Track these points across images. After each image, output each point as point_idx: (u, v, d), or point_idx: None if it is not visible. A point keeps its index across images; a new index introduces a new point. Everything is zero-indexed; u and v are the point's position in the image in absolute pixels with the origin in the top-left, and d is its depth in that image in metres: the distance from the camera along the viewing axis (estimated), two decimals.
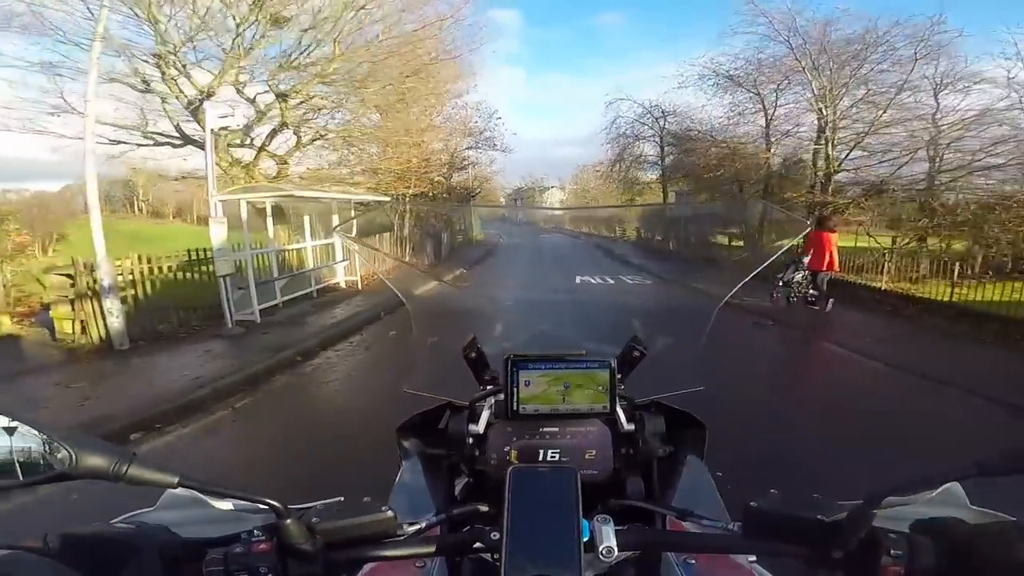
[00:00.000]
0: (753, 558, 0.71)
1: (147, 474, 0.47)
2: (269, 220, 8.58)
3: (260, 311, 7.13)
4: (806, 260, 8.21)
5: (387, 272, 1.33)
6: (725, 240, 15.97)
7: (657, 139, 19.64)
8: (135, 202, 45.16)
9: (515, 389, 0.85)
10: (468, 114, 19.12)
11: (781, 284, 8.33)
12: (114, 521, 0.55)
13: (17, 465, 0.45)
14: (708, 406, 1.02)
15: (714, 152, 15.39)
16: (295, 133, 11.09)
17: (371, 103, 11.29)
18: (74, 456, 0.45)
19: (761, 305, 7.78)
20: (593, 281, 7.51)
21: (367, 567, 0.67)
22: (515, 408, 0.85)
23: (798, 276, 8.26)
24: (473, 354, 1.03)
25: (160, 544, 0.52)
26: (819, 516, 0.53)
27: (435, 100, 14.13)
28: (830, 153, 12.59)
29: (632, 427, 0.88)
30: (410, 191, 13.86)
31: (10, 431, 0.45)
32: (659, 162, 20.21)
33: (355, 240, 6.98)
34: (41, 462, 0.45)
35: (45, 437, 0.45)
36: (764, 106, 14.05)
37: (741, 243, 14.61)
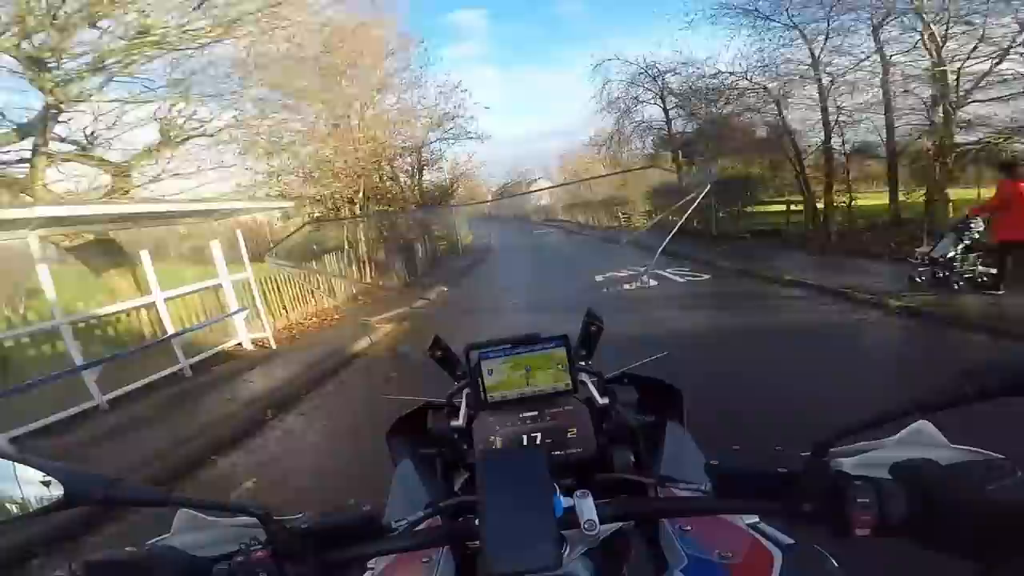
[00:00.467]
0: (755, 519, 0.69)
1: (136, 495, 0.51)
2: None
3: (61, 420, 4.23)
4: (976, 225, 5.34)
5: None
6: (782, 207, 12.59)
7: (659, 101, 16.01)
8: None
9: (481, 379, 0.89)
10: (430, 98, 15.77)
11: (930, 261, 5.60)
12: (132, 549, 0.57)
13: (14, 500, 0.49)
14: None
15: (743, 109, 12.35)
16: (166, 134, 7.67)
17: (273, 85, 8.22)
18: (67, 487, 0.48)
19: (902, 293, 5.57)
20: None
21: (381, 567, 0.70)
22: (483, 398, 0.89)
23: (958, 249, 5.42)
24: (439, 352, 1.05)
25: (174, 565, 0.55)
26: (779, 468, 0.53)
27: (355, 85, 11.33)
28: (949, 82, 8.65)
29: (606, 400, 0.90)
30: (359, 195, 10.70)
31: (3, 468, 0.49)
32: (665, 128, 16.39)
33: (293, 266, 6.30)
34: (37, 495, 0.49)
35: (38, 472, 0.49)
36: (807, 41, 10.59)
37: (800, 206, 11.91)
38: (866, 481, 0.50)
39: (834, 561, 0.57)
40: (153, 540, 0.61)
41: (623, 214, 21.78)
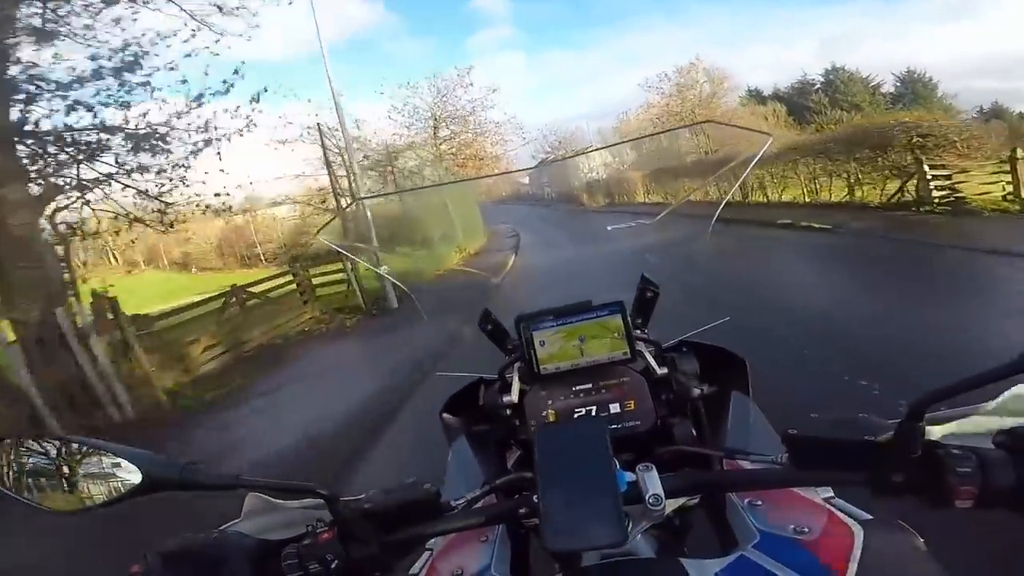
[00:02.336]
0: (830, 492, 0.66)
1: (208, 480, 0.52)
2: None
3: None
4: None
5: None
6: None
7: None
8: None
9: (532, 351, 0.86)
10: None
11: None
12: (204, 534, 0.59)
13: (94, 486, 0.52)
14: None
15: None
16: None
17: None
18: (143, 473, 0.50)
19: None
20: None
21: (440, 546, 0.71)
22: (536, 370, 0.86)
23: None
24: (489, 326, 1.04)
25: (245, 549, 0.57)
26: (867, 437, 0.48)
27: None
28: None
29: (665, 370, 0.86)
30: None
31: (83, 456, 0.52)
32: None
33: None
34: (114, 482, 0.51)
35: (115, 458, 0.51)
36: None
37: None
38: (966, 450, 0.46)
39: (919, 536, 0.54)
40: (224, 526, 0.62)
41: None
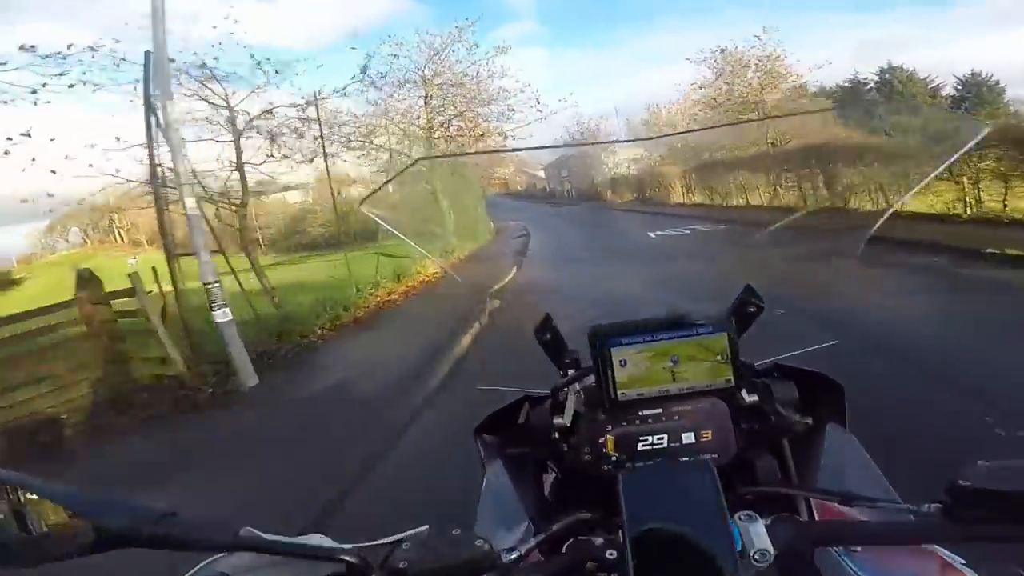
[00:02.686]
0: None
1: (192, 534, 0.42)
2: None
3: None
4: None
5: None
6: None
7: None
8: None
9: (610, 371, 0.72)
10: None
11: None
12: (189, 574, 0.50)
13: (39, 541, 0.41)
14: None
15: None
16: None
17: None
18: (95, 525, 0.40)
19: None
20: None
21: None
22: (612, 395, 0.72)
23: None
24: (548, 336, 0.88)
25: None
26: None
27: None
28: None
29: (755, 397, 0.74)
30: None
31: (27, 504, 0.41)
32: None
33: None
34: (66, 535, 0.41)
35: (66, 507, 0.41)
36: None
37: None
38: None
39: None
40: (211, 559, 0.52)
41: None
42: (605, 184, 26.63)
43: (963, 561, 0.55)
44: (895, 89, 23.80)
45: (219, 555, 0.51)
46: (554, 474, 0.87)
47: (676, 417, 0.74)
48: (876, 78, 24.85)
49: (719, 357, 0.71)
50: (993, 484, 0.44)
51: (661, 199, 20.33)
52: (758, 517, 0.49)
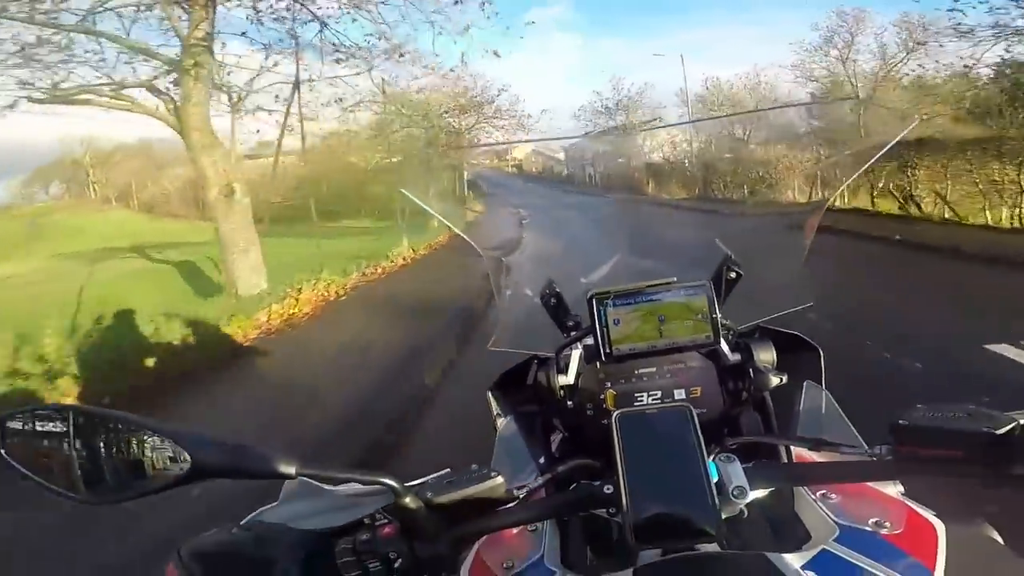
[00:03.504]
0: (900, 488, 0.63)
1: (265, 466, 0.46)
2: None
3: None
4: None
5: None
6: None
7: None
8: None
9: (605, 329, 0.81)
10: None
11: None
12: (243, 522, 0.54)
13: (138, 472, 0.44)
14: None
15: None
16: None
17: None
18: (192, 457, 0.43)
19: None
20: None
21: (483, 537, 0.66)
22: (608, 350, 0.81)
23: None
24: (552, 300, 0.98)
25: (289, 541, 0.51)
26: (985, 428, 0.47)
27: None
28: None
29: (738, 357, 0.81)
30: None
31: (127, 438, 0.44)
32: None
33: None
34: (162, 467, 0.44)
35: (162, 441, 0.44)
36: None
37: None
38: None
39: (997, 534, 0.54)
40: (258, 512, 0.57)
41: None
42: (642, 171, 18.44)
43: (933, 512, 0.58)
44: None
45: (271, 505, 0.57)
46: (561, 434, 0.93)
47: (668, 375, 0.82)
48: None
49: (699, 316, 0.79)
50: (939, 424, 0.49)
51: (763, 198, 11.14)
52: (736, 459, 0.54)
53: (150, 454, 0.44)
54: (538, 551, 0.63)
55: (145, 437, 0.44)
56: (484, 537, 0.65)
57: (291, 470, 0.46)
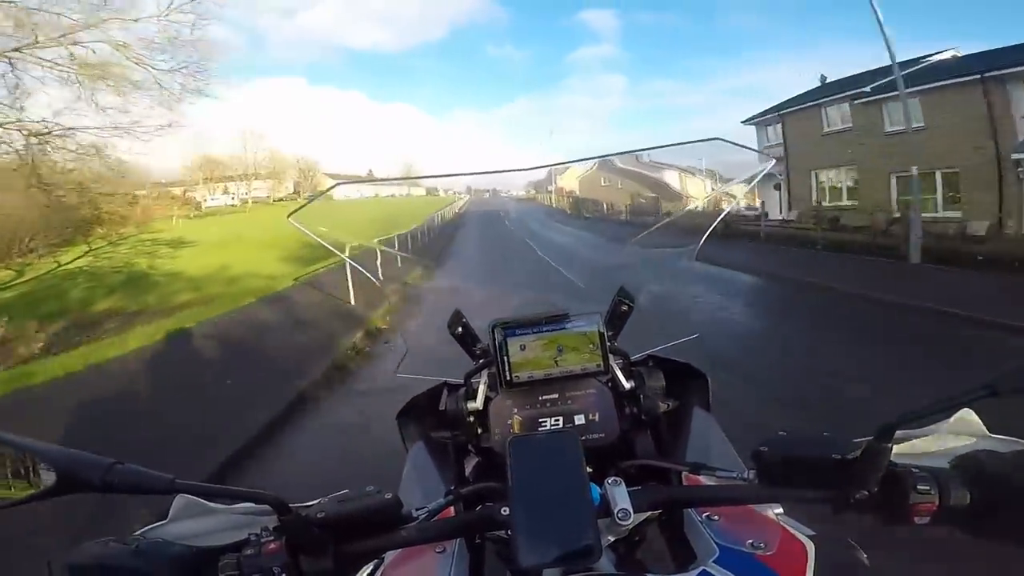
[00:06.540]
0: (779, 509, 0.67)
1: (136, 480, 0.46)
2: None
3: None
4: None
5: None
6: None
7: None
8: None
9: (506, 358, 0.84)
10: None
11: None
12: (128, 538, 0.53)
13: (8, 486, 0.45)
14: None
15: None
16: None
17: None
18: (58, 471, 0.44)
19: None
20: None
21: (389, 558, 0.66)
22: (508, 377, 0.84)
23: None
24: (459, 329, 1.01)
25: (172, 556, 0.51)
26: (833, 455, 0.50)
27: None
28: None
29: (631, 384, 0.87)
30: None
31: None
32: None
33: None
34: (25, 481, 0.45)
35: (25, 455, 0.45)
36: None
37: None
38: (923, 469, 0.50)
39: (864, 553, 0.57)
40: (145, 528, 0.56)
41: None
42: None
43: (809, 532, 0.60)
44: None
45: (160, 523, 0.56)
46: (476, 459, 0.94)
47: (569, 402, 0.87)
48: None
49: (592, 346, 0.85)
50: (793, 452, 0.52)
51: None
52: (622, 482, 0.56)
53: (17, 468, 0.46)
54: (444, 573, 0.63)
55: (9, 452, 0.45)
56: (390, 557, 0.65)
57: (166, 486, 0.46)
